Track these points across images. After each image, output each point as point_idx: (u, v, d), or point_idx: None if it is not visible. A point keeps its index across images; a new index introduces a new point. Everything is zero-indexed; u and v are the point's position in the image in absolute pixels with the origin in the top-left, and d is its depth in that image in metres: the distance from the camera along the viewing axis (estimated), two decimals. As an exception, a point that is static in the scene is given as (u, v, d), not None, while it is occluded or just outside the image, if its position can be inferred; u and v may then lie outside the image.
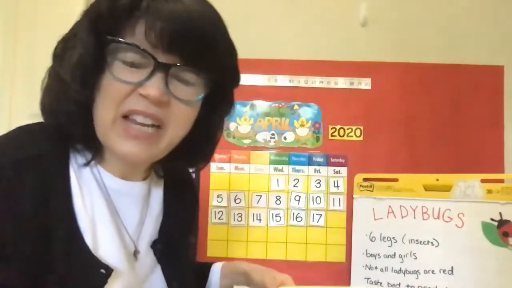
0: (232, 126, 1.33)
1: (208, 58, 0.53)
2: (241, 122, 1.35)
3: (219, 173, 1.31)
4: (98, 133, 0.53)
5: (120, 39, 0.49)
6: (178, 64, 0.52)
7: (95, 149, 0.56)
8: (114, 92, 0.51)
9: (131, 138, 0.53)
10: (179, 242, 0.64)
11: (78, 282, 0.49)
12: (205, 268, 0.76)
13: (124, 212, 0.57)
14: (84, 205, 0.52)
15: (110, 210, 0.55)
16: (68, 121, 0.52)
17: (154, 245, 0.60)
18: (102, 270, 0.50)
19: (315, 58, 1.37)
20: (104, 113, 0.52)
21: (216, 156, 1.34)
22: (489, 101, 1.33)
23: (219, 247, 1.27)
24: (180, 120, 0.54)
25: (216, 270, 0.74)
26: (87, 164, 0.55)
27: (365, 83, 1.36)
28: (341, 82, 1.36)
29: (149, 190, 0.63)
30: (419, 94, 1.36)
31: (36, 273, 0.46)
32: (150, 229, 0.60)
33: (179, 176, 0.69)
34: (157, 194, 0.65)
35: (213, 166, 1.33)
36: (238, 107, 1.36)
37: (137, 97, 0.51)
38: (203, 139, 0.63)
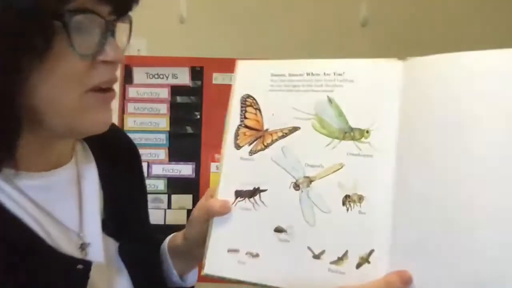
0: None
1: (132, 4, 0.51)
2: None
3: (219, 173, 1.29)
4: (58, 121, 0.48)
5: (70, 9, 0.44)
6: (119, 18, 0.49)
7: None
8: (72, 70, 0.46)
9: (105, 107, 0.50)
10: (132, 212, 0.59)
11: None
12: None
13: (57, 207, 0.51)
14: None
15: (40, 212, 0.49)
16: None
17: (105, 226, 0.54)
18: (80, 266, 0.48)
19: (315, 58, 1.37)
20: (63, 97, 0.47)
21: (216, 156, 1.33)
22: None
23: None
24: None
25: (163, 251, 0.65)
26: None
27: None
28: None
29: (78, 168, 0.56)
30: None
31: None
32: (94, 211, 0.54)
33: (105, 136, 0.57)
34: (89, 168, 0.57)
35: (213, 166, 1.31)
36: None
37: (99, 66, 0.48)
38: None
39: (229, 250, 0.51)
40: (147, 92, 1.50)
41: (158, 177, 1.46)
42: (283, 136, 0.51)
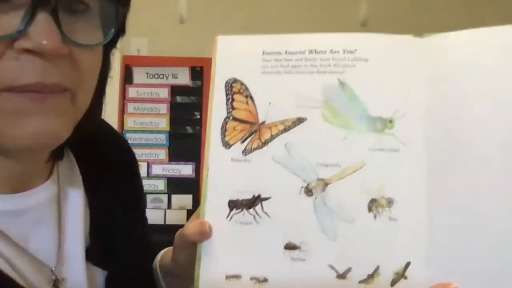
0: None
1: None
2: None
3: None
4: None
5: None
6: None
7: None
8: None
9: (34, 109, 0.35)
10: (123, 238, 0.50)
11: None
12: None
13: (30, 236, 0.41)
14: None
15: (8, 245, 0.39)
16: None
17: (90, 255, 0.45)
18: None
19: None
20: None
21: None
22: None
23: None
24: (87, 77, 0.38)
25: (155, 269, 0.59)
26: None
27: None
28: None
29: (59, 189, 0.45)
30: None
31: None
32: (75, 239, 0.45)
33: (99, 146, 0.49)
34: (72, 185, 0.46)
35: None
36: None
37: (17, 59, 0.32)
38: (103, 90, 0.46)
39: (228, 277, 0.40)
40: (147, 92, 1.51)
41: (158, 177, 1.46)
42: (285, 130, 0.42)
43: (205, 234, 0.41)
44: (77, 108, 0.39)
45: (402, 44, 0.41)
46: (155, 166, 1.48)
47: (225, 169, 0.42)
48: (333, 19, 1.42)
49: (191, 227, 0.42)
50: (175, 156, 1.48)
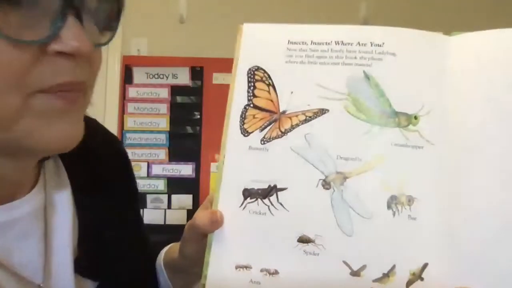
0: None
1: None
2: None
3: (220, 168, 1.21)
4: None
5: None
6: None
7: None
8: (4, 66, 0.32)
9: (66, 113, 0.35)
10: (115, 245, 0.47)
11: None
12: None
13: (15, 251, 0.39)
14: None
15: None
16: None
17: (79, 267, 0.43)
18: None
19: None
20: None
21: (216, 156, 1.27)
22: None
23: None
24: (96, 74, 0.38)
25: (159, 266, 0.54)
26: None
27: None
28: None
29: (46, 197, 0.43)
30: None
31: None
32: (63, 251, 0.43)
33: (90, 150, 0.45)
34: (60, 193, 0.44)
35: (213, 166, 1.27)
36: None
37: (53, 59, 0.33)
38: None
39: (238, 267, 0.39)
40: (147, 92, 1.51)
41: (158, 177, 1.45)
42: (306, 121, 0.41)
43: (216, 223, 0.40)
44: (85, 107, 0.39)
45: (430, 40, 0.40)
46: (155, 166, 1.48)
47: (242, 156, 0.41)
48: (333, 19, 1.42)
49: (201, 217, 0.41)
50: (175, 156, 1.47)
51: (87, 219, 0.45)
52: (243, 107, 0.42)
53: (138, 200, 0.58)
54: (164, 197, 1.46)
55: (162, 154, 1.49)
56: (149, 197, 1.46)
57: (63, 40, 0.33)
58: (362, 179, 0.38)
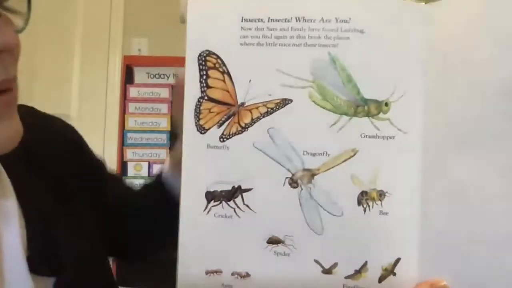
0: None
1: None
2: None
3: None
4: None
5: None
6: None
7: None
8: None
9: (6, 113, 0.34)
10: (70, 235, 0.45)
11: None
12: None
13: None
14: None
15: None
16: None
17: (32, 265, 0.41)
18: None
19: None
20: None
21: None
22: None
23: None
24: (17, 61, 0.37)
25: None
26: None
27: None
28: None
29: None
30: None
31: None
32: (15, 254, 0.41)
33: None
34: (3, 199, 0.41)
35: None
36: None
37: None
38: None
39: (208, 272, 0.38)
40: (148, 92, 1.51)
41: None
42: (268, 113, 0.37)
43: None
44: (18, 100, 0.36)
45: (403, 11, 0.35)
46: (156, 166, 1.48)
47: (200, 156, 0.38)
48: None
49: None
50: None
51: (33, 217, 0.42)
52: (196, 100, 0.38)
53: (103, 170, 0.55)
54: (165, 197, 1.50)
55: (163, 154, 1.49)
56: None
57: None
58: (331, 175, 0.36)
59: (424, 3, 0.35)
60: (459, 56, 0.35)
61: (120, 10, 1.49)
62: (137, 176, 1.46)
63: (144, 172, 1.49)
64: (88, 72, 1.50)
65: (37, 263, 0.41)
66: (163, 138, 1.51)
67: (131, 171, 1.47)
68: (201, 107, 0.38)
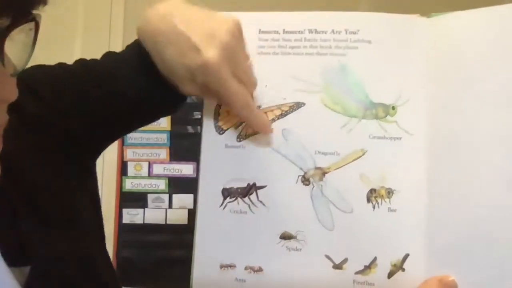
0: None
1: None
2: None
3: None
4: None
5: None
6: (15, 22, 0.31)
7: None
8: None
9: None
10: (36, 228, 0.43)
11: None
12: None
13: None
14: None
15: None
16: None
17: (7, 257, 0.40)
18: None
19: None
20: None
21: None
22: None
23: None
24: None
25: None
26: None
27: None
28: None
29: None
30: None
31: None
32: None
33: None
34: None
35: None
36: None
37: None
38: None
39: (223, 266, 0.39)
40: None
41: (159, 176, 1.43)
42: (282, 115, 0.40)
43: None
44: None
45: (407, 24, 0.39)
46: (156, 166, 1.46)
47: (218, 155, 0.40)
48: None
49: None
50: (176, 155, 1.45)
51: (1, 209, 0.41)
52: (216, 103, 0.41)
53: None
54: (165, 197, 1.44)
55: (163, 153, 1.46)
56: (150, 197, 1.45)
57: None
58: (341, 174, 0.38)
59: (426, 17, 0.39)
60: (459, 64, 0.38)
61: (120, 10, 1.43)
62: (137, 176, 1.42)
63: (144, 172, 1.45)
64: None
65: (9, 254, 0.40)
66: (163, 138, 1.47)
67: (131, 170, 1.43)
68: (220, 110, 0.41)
